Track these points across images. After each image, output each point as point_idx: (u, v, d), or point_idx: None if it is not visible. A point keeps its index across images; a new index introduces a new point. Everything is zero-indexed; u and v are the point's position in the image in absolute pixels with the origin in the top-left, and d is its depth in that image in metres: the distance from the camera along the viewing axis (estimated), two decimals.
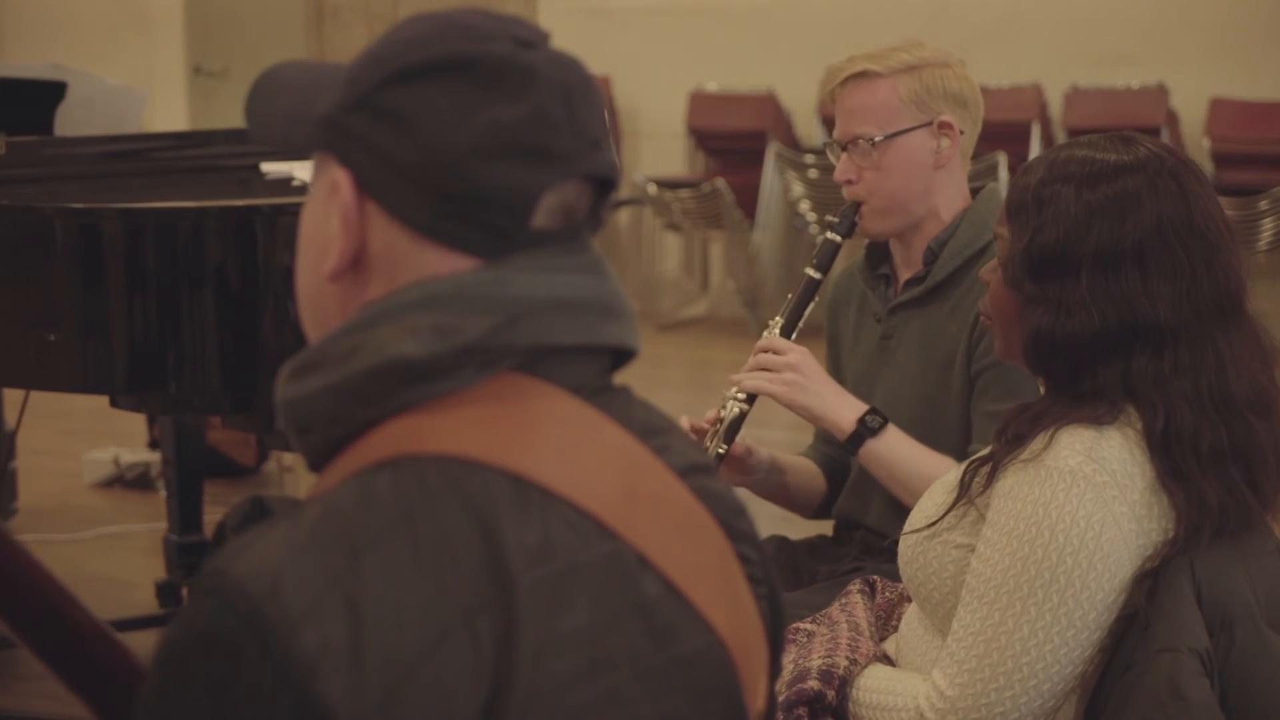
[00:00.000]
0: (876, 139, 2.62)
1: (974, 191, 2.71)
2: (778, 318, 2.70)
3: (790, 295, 2.72)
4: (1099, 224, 1.90)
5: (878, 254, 2.75)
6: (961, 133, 2.64)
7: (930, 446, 2.56)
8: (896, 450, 2.55)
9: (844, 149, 2.67)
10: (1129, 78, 7.90)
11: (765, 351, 2.63)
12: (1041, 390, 2.01)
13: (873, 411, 2.56)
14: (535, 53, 1.18)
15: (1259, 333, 1.95)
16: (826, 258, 2.71)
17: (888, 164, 2.63)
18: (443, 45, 1.17)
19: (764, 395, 2.60)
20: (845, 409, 2.58)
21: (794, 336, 2.68)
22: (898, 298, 2.69)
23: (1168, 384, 1.88)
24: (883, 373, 2.69)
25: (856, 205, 2.67)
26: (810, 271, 2.71)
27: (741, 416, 2.62)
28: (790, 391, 2.59)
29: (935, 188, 2.64)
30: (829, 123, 8.31)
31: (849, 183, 2.66)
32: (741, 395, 2.62)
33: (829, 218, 2.72)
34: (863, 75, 2.63)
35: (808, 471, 2.83)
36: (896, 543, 2.10)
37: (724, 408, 2.63)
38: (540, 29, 1.20)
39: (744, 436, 2.68)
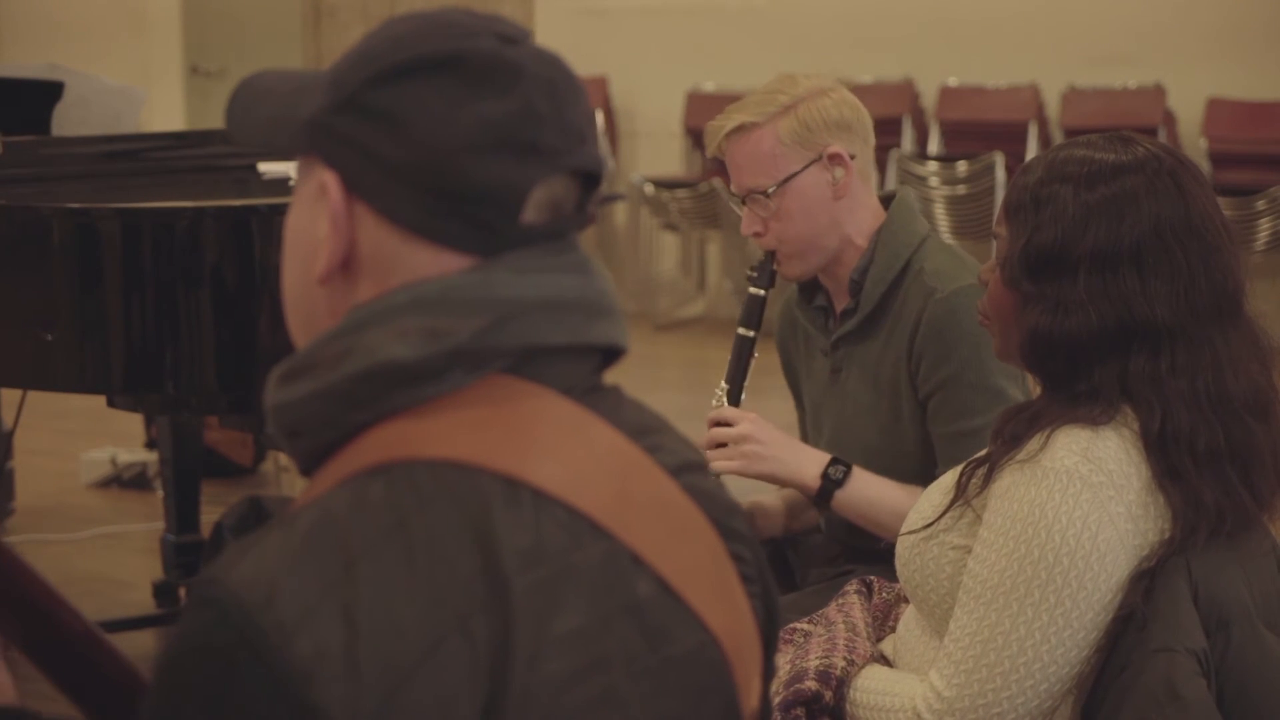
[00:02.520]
0: (770, 189, 2.59)
1: (887, 200, 2.68)
2: (723, 383, 2.67)
3: (729, 359, 2.69)
4: (1097, 224, 1.90)
5: (809, 287, 2.74)
6: (853, 157, 2.61)
7: (891, 473, 2.56)
8: (865, 493, 2.55)
9: (744, 202, 2.65)
10: (1126, 78, 7.90)
11: (717, 425, 2.60)
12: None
13: (835, 462, 2.55)
14: (519, 49, 1.18)
15: (1257, 334, 1.95)
16: (754, 314, 2.68)
17: (787, 210, 2.60)
18: (427, 43, 1.17)
19: (724, 474, 2.56)
20: (808, 466, 2.56)
21: (742, 398, 2.66)
22: (838, 331, 2.67)
23: (1165, 384, 1.88)
24: (836, 404, 2.69)
25: (772, 254, 2.65)
26: (742, 331, 2.68)
27: None
28: (750, 464, 2.56)
29: (841, 218, 2.62)
30: None
31: (757, 235, 2.64)
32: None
33: (749, 272, 2.71)
34: (740, 129, 2.60)
35: (774, 512, 2.81)
36: (892, 544, 2.10)
37: None
38: (522, 26, 1.20)
39: None
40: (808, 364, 2.77)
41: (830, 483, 2.54)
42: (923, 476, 2.51)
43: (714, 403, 2.66)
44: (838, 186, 2.60)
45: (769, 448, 2.57)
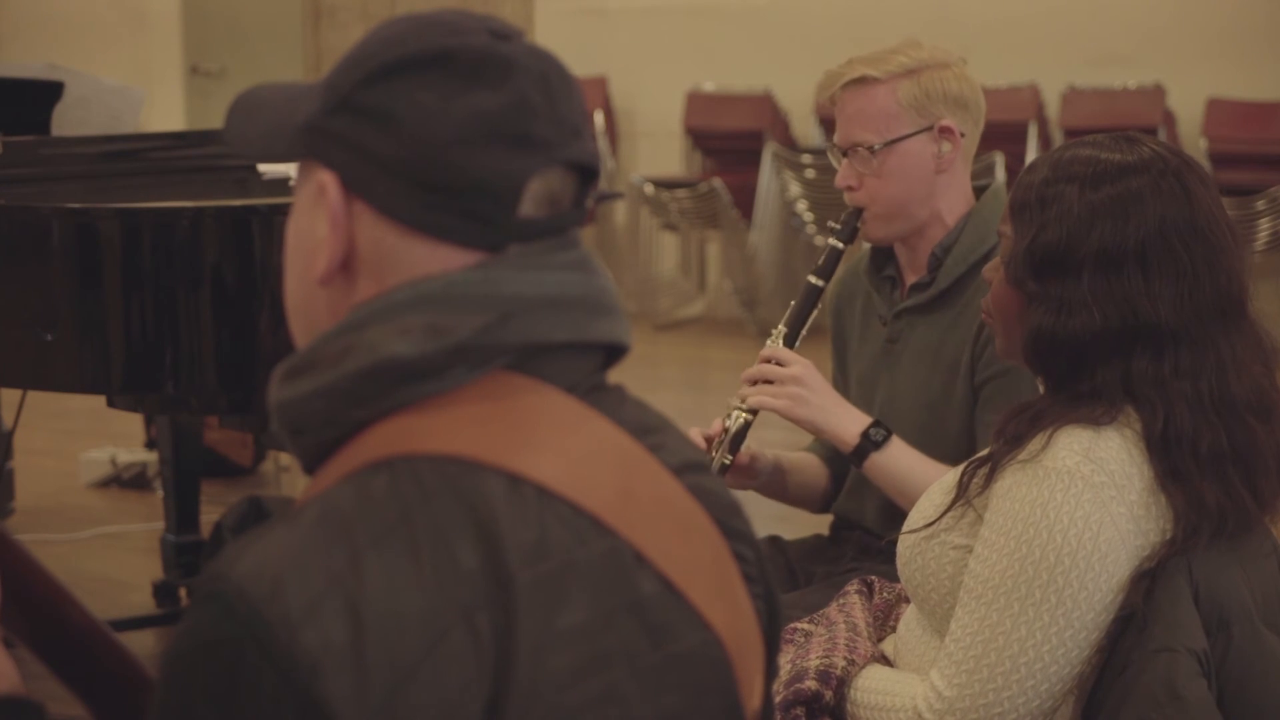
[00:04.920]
0: (876, 146, 2.59)
1: (979, 190, 2.70)
2: (781, 326, 2.67)
3: (793, 303, 2.70)
4: (1102, 224, 1.89)
5: (882, 255, 2.74)
6: (962, 135, 2.62)
7: (931, 453, 2.54)
8: (900, 462, 2.53)
9: (844, 154, 2.65)
10: (1126, 78, 7.90)
11: (768, 362, 2.60)
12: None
13: (877, 424, 2.55)
14: (511, 44, 1.19)
15: (1260, 335, 1.95)
16: (829, 265, 2.69)
17: (888, 170, 2.60)
18: (419, 41, 1.18)
19: (767, 410, 2.58)
20: (849, 422, 2.56)
21: (797, 345, 2.66)
22: (903, 302, 2.67)
23: (1167, 385, 1.88)
24: (886, 377, 2.68)
25: (858, 211, 2.65)
26: (813, 279, 2.68)
27: (746, 426, 2.60)
28: (794, 406, 2.56)
29: (937, 192, 2.62)
30: (826, 123, 8.30)
31: (850, 189, 2.64)
32: (746, 406, 2.60)
33: (831, 224, 2.70)
34: (861, 81, 2.60)
35: (811, 469, 2.81)
36: (893, 543, 2.10)
37: (729, 418, 2.61)
38: (514, 25, 1.21)
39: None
40: (862, 331, 2.76)
41: (869, 443, 2.54)
42: (957, 461, 2.52)
43: (769, 342, 2.66)
44: (941, 160, 2.62)
45: (817, 395, 2.57)
